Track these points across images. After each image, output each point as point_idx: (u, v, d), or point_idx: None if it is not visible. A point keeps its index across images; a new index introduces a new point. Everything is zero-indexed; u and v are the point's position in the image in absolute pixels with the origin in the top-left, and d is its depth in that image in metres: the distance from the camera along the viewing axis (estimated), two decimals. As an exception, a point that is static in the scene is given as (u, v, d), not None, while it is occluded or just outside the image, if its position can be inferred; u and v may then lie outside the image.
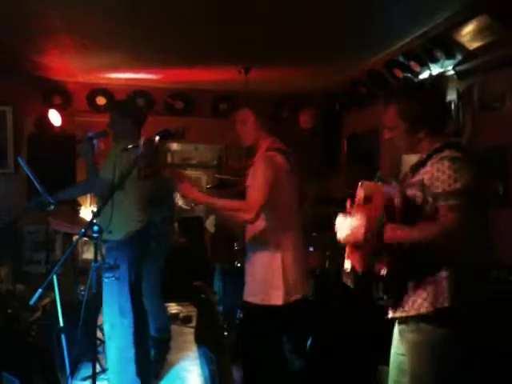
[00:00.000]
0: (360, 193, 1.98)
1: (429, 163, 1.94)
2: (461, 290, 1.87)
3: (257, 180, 2.59)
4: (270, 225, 2.65)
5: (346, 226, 1.98)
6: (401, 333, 2.04)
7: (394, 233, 1.87)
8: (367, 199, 1.93)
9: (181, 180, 2.70)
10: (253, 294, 2.70)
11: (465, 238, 1.84)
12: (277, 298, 2.62)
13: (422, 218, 1.90)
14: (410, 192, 1.94)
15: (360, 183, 2.01)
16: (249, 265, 2.78)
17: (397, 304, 1.99)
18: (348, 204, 2.04)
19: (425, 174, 1.92)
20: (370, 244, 1.88)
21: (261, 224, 2.62)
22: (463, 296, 1.87)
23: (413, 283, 1.94)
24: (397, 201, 1.90)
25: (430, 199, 1.89)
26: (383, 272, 1.91)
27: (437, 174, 1.87)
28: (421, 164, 1.99)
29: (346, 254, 2.01)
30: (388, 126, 2.12)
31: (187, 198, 2.74)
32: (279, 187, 2.62)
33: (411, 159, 2.12)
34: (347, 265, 1.98)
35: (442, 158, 1.89)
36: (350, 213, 2.00)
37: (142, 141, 2.59)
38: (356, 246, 1.94)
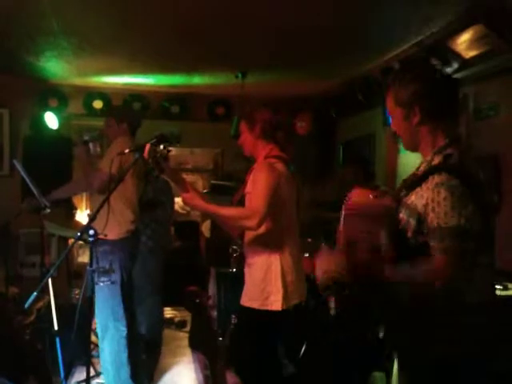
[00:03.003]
0: (341, 236, 1.84)
1: (424, 185, 1.73)
2: (449, 338, 1.66)
3: (259, 186, 2.57)
4: (270, 230, 2.64)
5: (327, 267, 1.87)
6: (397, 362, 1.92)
7: (382, 272, 1.72)
8: (350, 245, 1.78)
9: (183, 187, 2.69)
10: (251, 298, 2.69)
11: (457, 281, 1.65)
12: (276, 304, 2.61)
13: (411, 250, 1.72)
14: (403, 216, 1.76)
15: (350, 195, 1.89)
16: (248, 269, 2.77)
17: (393, 347, 1.92)
18: (324, 247, 1.91)
19: (420, 199, 1.72)
20: (354, 287, 1.80)
21: (260, 229, 2.60)
22: (452, 344, 1.66)
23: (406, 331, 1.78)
24: (384, 247, 1.72)
25: (425, 231, 1.70)
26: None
27: (432, 205, 1.67)
28: (417, 182, 1.78)
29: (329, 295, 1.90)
30: (389, 114, 1.94)
31: (189, 206, 2.72)
32: (280, 193, 2.62)
33: (408, 164, 2.03)
34: (332, 304, 1.90)
35: (437, 184, 1.67)
36: (331, 253, 1.89)
37: (147, 146, 2.57)
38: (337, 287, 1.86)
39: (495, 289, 1.87)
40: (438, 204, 1.66)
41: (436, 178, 1.69)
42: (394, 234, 1.73)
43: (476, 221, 1.65)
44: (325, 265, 1.86)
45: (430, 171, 1.74)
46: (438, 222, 1.65)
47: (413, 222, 1.72)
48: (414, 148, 1.90)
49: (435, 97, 1.82)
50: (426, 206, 1.69)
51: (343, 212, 1.87)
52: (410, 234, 1.73)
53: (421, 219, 1.71)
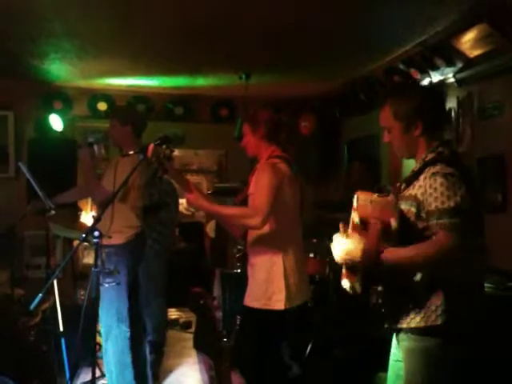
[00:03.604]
0: (355, 215, 1.91)
1: (421, 177, 1.90)
2: (452, 310, 1.84)
3: (261, 186, 2.58)
4: (272, 230, 2.65)
5: (342, 247, 1.90)
6: (397, 340, 2.04)
7: (393, 254, 1.84)
8: (363, 223, 1.87)
9: (187, 188, 2.70)
10: (254, 298, 2.70)
11: (458, 257, 1.79)
12: (278, 303, 2.62)
13: (415, 235, 1.86)
14: (404, 206, 1.91)
15: (355, 196, 1.94)
16: (251, 270, 2.77)
17: (391, 317, 2.00)
18: (342, 227, 1.95)
19: (418, 189, 1.89)
20: (368, 266, 1.85)
21: (263, 229, 2.61)
22: (455, 315, 1.85)
23: (406, 301, 1.93)
24: (393, 224, 1.84)
25: (424, 215, 1.86)
26: (380, 288, 1.94)
27: (429, 191, 1.84)
28: (414, 176, 1.95)
29: (342, 274, 1.96)
30: (385, 127, 2.09)
31: (192, 206, 2.73)
32: (283, 193, 2.63)
33: (412, 163, 2.09)
34: (345, 284, 1.95)
35: (434, 173, 1.85)
36: (346, 234, 1.91)
37: (150, 146, 2.58)
38: (352, 267, 1.90)
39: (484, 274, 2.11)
40: (435, 189, 1.82)
41: (432, 169, 1.87)
42: (398, 223, 1.85)
43: (469, 202, 1.81)
44: (339, 247, 1.92)
45: (426, 164, 1.92)
46: (436, 205, 1.81)
47: (413, 209, 1.89)
48: (408, 156, 2.09)
49: (434, 110, 2.02)
50: (424, 193, 1.86)
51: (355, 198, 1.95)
52: (411, 221, 1.89)
53: (420, 206, 1.87)
